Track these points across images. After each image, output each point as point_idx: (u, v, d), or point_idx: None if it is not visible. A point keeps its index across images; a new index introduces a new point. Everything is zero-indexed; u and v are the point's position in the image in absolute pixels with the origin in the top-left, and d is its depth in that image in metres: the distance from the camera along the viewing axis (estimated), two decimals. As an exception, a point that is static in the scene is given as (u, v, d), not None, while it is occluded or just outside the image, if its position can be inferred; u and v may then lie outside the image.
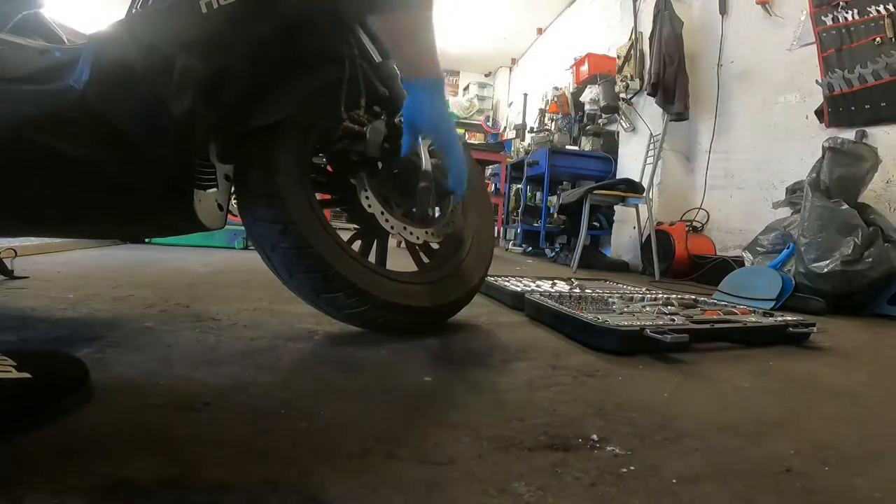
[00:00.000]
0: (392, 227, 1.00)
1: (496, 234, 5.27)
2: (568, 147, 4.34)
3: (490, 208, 1.40)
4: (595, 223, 3.74)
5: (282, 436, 0.53)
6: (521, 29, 6.45)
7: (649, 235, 2.99)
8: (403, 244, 1.16)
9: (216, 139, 0.88)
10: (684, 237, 2.96)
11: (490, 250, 1.27)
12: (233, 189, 0.93)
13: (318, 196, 1.02)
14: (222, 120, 0.84)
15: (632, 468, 0.51)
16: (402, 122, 0.99)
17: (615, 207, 3.67)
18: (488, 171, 4.85)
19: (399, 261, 1.15)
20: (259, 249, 0.91)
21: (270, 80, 0.89)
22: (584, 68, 4.40)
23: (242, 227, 3.37)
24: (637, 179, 3.16)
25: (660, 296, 1.57)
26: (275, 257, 0.88)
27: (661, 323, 1.08)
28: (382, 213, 0.98)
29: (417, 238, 1.04)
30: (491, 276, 1.82)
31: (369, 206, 0.97)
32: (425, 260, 1.19)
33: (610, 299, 1.45)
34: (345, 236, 1.01)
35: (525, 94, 6.11)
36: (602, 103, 3.93)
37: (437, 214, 1.14)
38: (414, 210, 1.04)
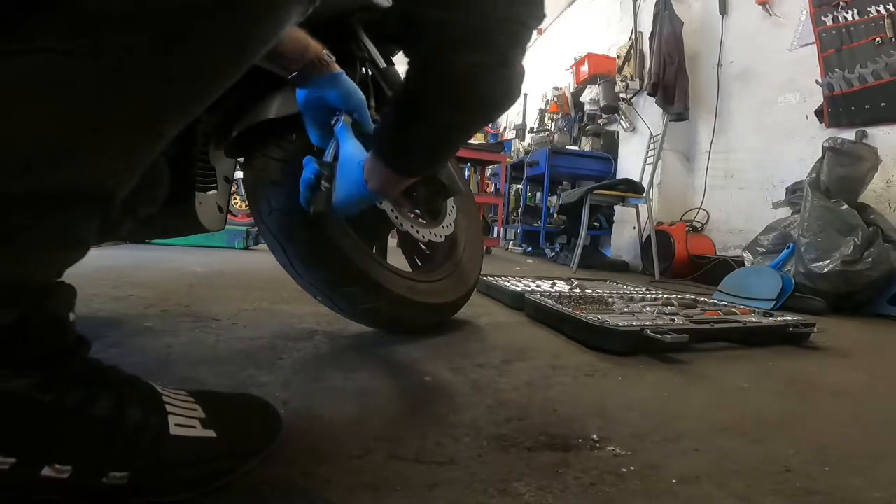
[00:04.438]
0: (402, 225, 1.02)
1: (496, 235, 5.29)
2: (568, 147, 4.34)
3: (477, 213, 1.44)
4: (595, 223, 3.74)
5: (282, 436, 0.53)
6: (521, 29, 6.44)
7: (649, 235, 2.99)
8: (398, 245, 1.17)
9: (219, 139, 0.88)
10: (684, 237, 2.96)
11: (481, 252, 1.29)
12: (233, 190, 0.92)
13: None
14: (228, 120, 0.84)
15: (632, 468, 0.51)
16: None
17: (615, 207, 3.67)
18: (488, 170, 4.85)
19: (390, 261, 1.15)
20: (273, 241, 0.88)
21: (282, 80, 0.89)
22: (584, 68, 4.40)
23: (243, 228, 3.32)
24: (637, 179, 3.16)
25: (660, 296, 1.57)
26: (292, 249, 0.87)
27: (661, 323, 1.08)
28: (392, 211, 1.00)
29: (423, 237, 1.06)
30: (491, 276, 1.83)
31: (380, 202, 0.98)
32: (418, 262, 1.21)
33: (610, 299, 1.45)
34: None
35: (525, 94, 6.10)
36: (602, 103, 3.93)
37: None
38: (417, 211, 1.04)
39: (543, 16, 0.52)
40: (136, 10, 0.32)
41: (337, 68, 0.75)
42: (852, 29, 2.27)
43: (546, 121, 5.34)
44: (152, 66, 0.34)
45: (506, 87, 0.55)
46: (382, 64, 1.00)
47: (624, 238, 3.71)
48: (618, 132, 4.03)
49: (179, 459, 0.40)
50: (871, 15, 2.20)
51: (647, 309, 1.30)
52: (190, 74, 0.37)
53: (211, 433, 0.43)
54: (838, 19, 2.32)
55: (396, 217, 1.01)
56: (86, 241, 0.37)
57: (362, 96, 0.80)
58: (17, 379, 0.35)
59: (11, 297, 0.34)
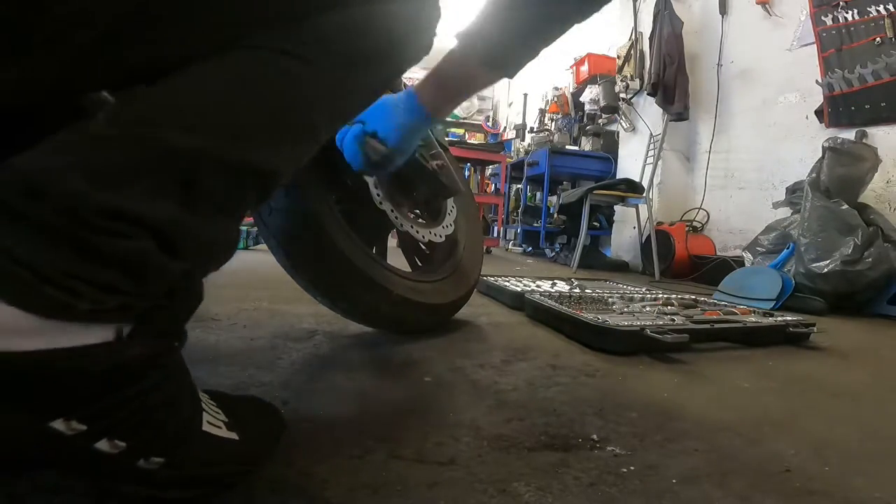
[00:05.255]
0: (402, 225, 1.02)
1: (496, 235, 5.29)
2: (568, 147, 4.34)
3: (477, 213, 1.45)
4: (595, 223, 3.74)
5: (282, 436, 0.53)
6: (521, 29, 6.43)
7: (649, 235, 2.99)
8: (398, 245, 1.17)
9: None
10: (684, 237, 2.95)
11: (481, 252, 1.29)
12: None
13: None
14: None
15: (632, 468, 0.51)
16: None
17: (615, 207, 3.67)
18: (488, 170, 4.85)
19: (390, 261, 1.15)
20: (273, 242, 0.88)
21: None
22: (584, 68, 4.39)
23: (243, 228, 3.32)
24: (637, 179, 3.16)
25: (660, 296, 1.57)
26: (292, 249, 0.86)
27: (661, 323, 1.08)
28: (392, 211, 1.00)
29: (423, 237, 1.06)
30: (491, 276, 1.83)
31: (381, 203, 0.98)
32: (418, 262, 1.21)
33: (610, 299, 1.45)
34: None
35: (525, 94, 6.10)
36: (602, 103, 3.92)
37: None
38: (417, 212, 1.04)
39: None
40: (346, 48, 0.42)
41: None
42: (852, 29, 2.27)
43: (546, 121, 5.34)
44: (345, 83, 0.44)
45: None
46: None
47: (624, 238, 3.71)
48: (618, 132, 4.03)
49: (206, 456, 0.40)
50: (871, 15, 2.20)
51: (647, 309, 1.30)
52: (359, 95, 0.47)
53: (234, 436, 0.43)
54: (838, 19, 2.32)
55: (396, 217, 1.01)
56: (240, 219, 0.42)
57: None
58: (141, 347, 0.35)
59: (185, 251, 0.36)
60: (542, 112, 5.45)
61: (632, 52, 3.82)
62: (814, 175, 2.01)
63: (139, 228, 0.33)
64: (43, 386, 0.31)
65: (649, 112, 3.51)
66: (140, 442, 0.35)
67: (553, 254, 3.91)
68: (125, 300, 0.34)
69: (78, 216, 0.31)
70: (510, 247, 5.14)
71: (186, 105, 0.36)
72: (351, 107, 0.48)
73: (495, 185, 5.24)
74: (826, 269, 1.83)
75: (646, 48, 3.62)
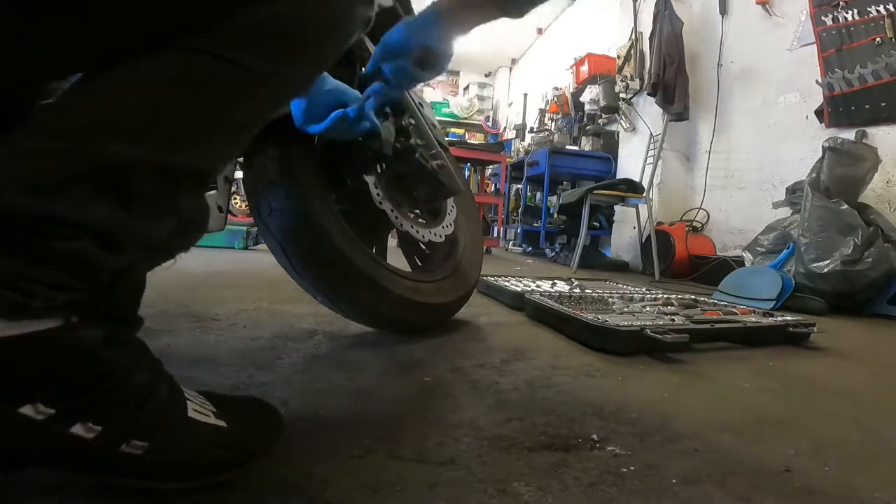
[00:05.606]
0: (402, 225, 1.02)
1: (496, 235, 5.28)
2: (568, 147, 4.33)
3: (477, 213, 1.46)
4: (595, 223, 3.74)
5: (282, 436, 0.53)
6: (521, 29, 6.44)
7: (649, 235, 2.99)
8: (398, 245, 1.17)
9: None
10: (684, 237, 2.95)
11: (481, 252, 1.30)
12: (232, 190, 0.93)
13: None
14: None
15: (632, 468, 0.51)
16: (409, 123, 1.01)
17: (615, 207, 3.67)
18: (488, 170, 4.84)
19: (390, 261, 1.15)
20: (274, 242, 0.88)
21: None
22: (584, 68, 4.39)
23: (243, 228, 3.30)
24: (637, 179, 3.16)
25: (660, 296, 1.57)
26: (292, 249, 0.86)
27: (661, 323, 1.08)
28: (392, 211, 1.00)
29: (423, 237, 1.06)
30: (491, 276, 1.83)
31: (381, 203, 0.98)
32: (418, 262, 1.21)
33: (610, 299, 1.45)
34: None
35: (525, 94, 6.10)
36: (602, 103, 3.92)
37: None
38: (417, 212, 1.04)
39: None
40: (277, 44, 0.41)
41: None
42: (852, 29, 2.27)
43: (546, 121, 5.33)
44: (278, 78, 0.43)
45: None
46: None
47: (624, 238, 3.71)
48: (618, 132, 4.02)
49: (194, 442, 0.41)
50: (871, 15, 2.19)
51: (647, 309, 1.30)
52: (294, 86, 0.46)
53: (223, 423, 0.44)
54: (838, 19, 2.32)
55: (396, 217, 1.01)
56: (175, 215, 0.43)
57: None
58: (91, 329, 0.37)
59: (124, 247, 0.39)
60: (542, 112, 5.45)
61: (632, 52, 3.82)
62: (814, 175, 2.01)
63: (78, 231, 0.35)
64: (1, 372, 0.33)
65: (649, 112, 3.51)
66: (116, 425, 0.36)
67: (553, 254, 3.91)
68: (73, 295, 0.36)
69: (21, 225, 0.33)
70: (510, 247, 5.14)
71: (117, 114, 0.37)
72: (286, 97, 0.48)
73: (495, 185, 5.23)
74: (826, 269, 1.83)
75: (646, 48, 3.62)
